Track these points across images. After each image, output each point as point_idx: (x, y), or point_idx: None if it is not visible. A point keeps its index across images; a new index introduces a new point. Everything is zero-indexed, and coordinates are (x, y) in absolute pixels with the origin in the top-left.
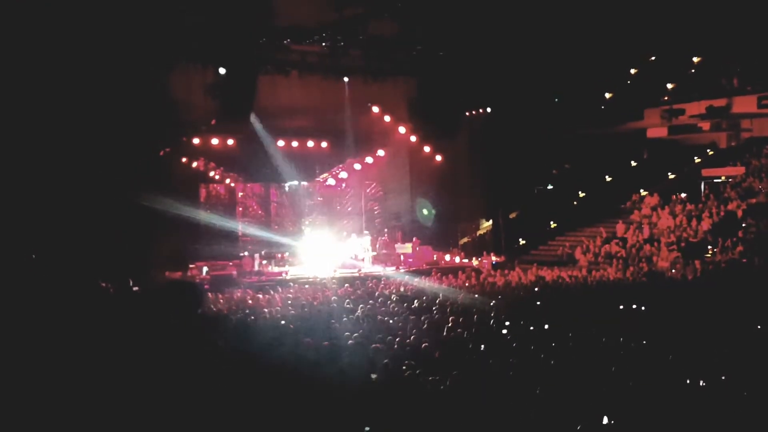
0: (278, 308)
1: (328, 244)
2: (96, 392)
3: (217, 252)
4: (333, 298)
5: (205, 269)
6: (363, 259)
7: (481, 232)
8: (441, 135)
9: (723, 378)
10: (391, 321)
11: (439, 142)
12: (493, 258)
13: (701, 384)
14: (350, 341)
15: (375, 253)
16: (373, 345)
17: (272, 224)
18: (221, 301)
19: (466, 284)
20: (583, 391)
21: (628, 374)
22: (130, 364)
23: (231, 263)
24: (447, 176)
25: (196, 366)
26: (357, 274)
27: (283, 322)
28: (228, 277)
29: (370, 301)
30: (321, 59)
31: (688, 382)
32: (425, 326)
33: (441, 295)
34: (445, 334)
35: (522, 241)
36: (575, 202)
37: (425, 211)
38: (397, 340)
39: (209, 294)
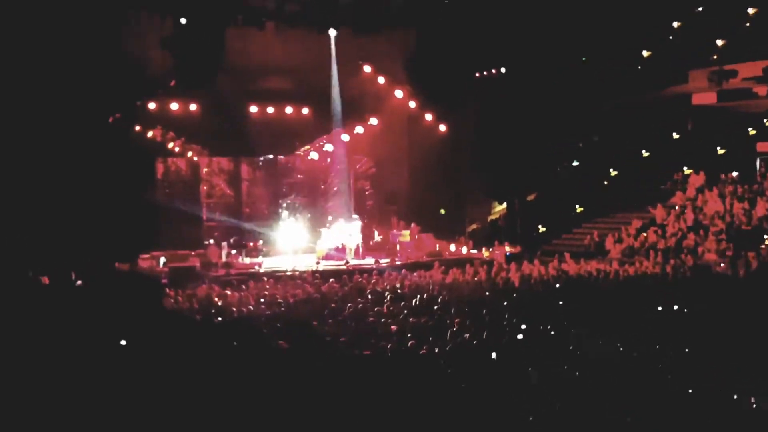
0: (250, 307)
1: (309, 231)
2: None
3: (177, 239)
4: (315, 295)
5: (162, 260)
6: (351, 250)
7: (492, 217)
8: (446, 100)
9: None
10: (384, 323)
11: (443, 109)
12: (507, 248)
13: (752, 402)
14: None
15: (368, 242)
16: (364, 352)
17: (243, 207)
18: (181, 298)
19: (475, 279)
20: (613, 408)
21: (667, 389)
22: (63, 373)
23: (193, 253)
24: (453, 150)
25: (145, 374)
26: (344, 267)
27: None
28: (190, 270)
29: (360, 300)
30: (302, 8)
31: (735, 397)
32: (426, 330)
33: (445, 292)
34: (449, 339)
35: (542, 229)
36: (606, 182)
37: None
38: (391, 346)
39: (167, 290)
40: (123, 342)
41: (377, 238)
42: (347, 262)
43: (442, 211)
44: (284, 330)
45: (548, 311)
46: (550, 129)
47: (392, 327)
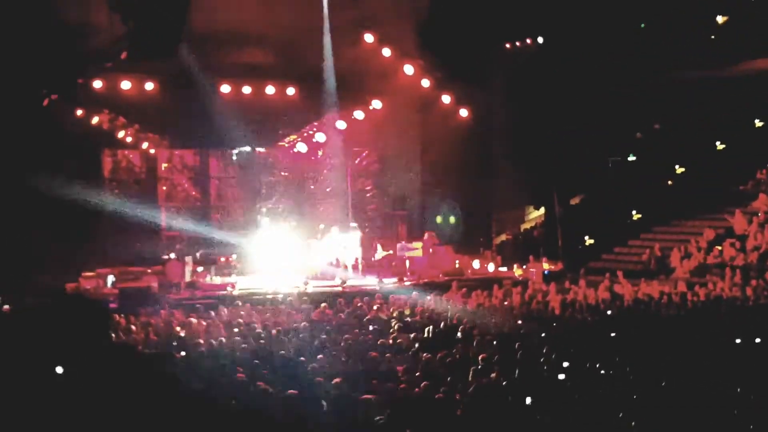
0: (222, 339)
1: (296, 244)
2: None
3: (129, 253)
4: (303, 324)
5: (110, 279)
6: (349, 266)
7: (527, 226)
8: (468, 78)
9: None
10: (390, 359)
11: (465, 90)
12: (546, 265)
13: None
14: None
15: (370, 257)
16: (363, 396)
17: (212, 212)
18: (134, 327)
19: (505, 305)
20: None
21: None
22: None
23: (150, 270)
24: (477, 141)
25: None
26: (340, 289)
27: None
28: (145, 292)
29: (359, 330)
30: None
31: None
32: (442, 368)
33: (466, 321)
34: (471, 379)
35: (589, 241)
36: (670, 182)
37: (450, 218)
38: (401, 388)
39: (116, 317)
40: (58, 371)
41: (381, 252)
42: (343, 283)
43: (439, 220)
44: (264, 368)
45: (597, 346)
46: (599, 115)
47: (400, 365)
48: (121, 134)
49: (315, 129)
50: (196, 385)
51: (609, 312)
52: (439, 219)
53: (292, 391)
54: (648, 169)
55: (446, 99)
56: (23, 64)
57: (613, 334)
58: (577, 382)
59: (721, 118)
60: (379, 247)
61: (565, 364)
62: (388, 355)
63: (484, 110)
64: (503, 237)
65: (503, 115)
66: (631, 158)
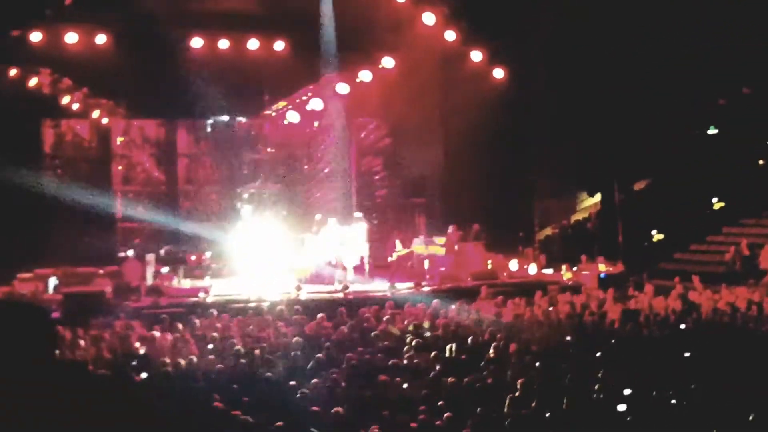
0: (192, 357)
1: (285, 239)
2: None
3: (76, 250)
4: (295, 339)
5: (52, 282)
6: (351, 267)
7: (578, 217)
8: (504, 30)
9: None
10: (404, 384)
11: (500, 44)
12: (603, 267)
13: None
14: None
15: (379, 255)
16: (370, 430)
17: (180, 198)
18: (83, 342)
19: (550, 316)
20: None
21: None
22: None
23: (102, 271)
24: (514, 110)
25: None
26: (341, 296)
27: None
28: (96, 298)
29: (365, 347)
30: None
31: None
32: (470, 395)
33: (501, 336)
34: (507, 409)
35: (657, 236)
36: (761, 162)
37: None
38: (419, 420)
39: (59, 329)
40: None
41: (400, 249)
42: (345, 288)
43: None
44: (245, 394)
45: (666, 369)
46: (671, 77)
47: (417, 391)
48: (65, 100)
49: (310, 94)
50: (160, 415)
51: (682, 326)
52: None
53: (279, 423)
54: (733, 146)
55: (476, 56)
56: None
57: (687, 354)
58: (640, 414)
59: None
60: (398, 243)
61: (626, 392)
62: (400, 379)
63: (523, 70)
64: (548, 231)
65: (548, 76)
66: (712, 131)
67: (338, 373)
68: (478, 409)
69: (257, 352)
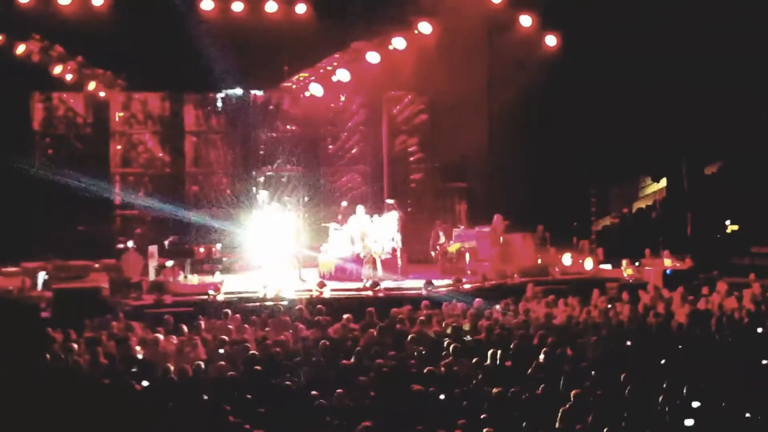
0: (200, 363)
1: (307, 228)
2: None
3: (69, 241)
4: (322, 342)
5: (41, 276)
6: (379, 260)
7: (641, 205)
8: None
9: None
10: (441, 395)
11: (552, 7)
12: (669, 261)
13: None
14: None
15: (415, 248)
16: None
17: (187, 183)
18: (75, 346)
19: (609, 317)
20: None
21: None
22: None
23: (97, 265)
24: (569, 82)
25: None
26: (370, 294)
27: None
28: (91, 295)
29: (398, 353)
30: None
31: None
32: (516, 407)
33: (552, 340)
34: (559, 424)
35: (731, 227)
36: None
37: None
38: None
39: (50, 330)
40: None
41: (444, 242)
42: (375, 286)
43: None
44: (260, 405)
45: (741, 378)
46: (747, 45)
47: (456, 402)
48: (57, 70)
49: (335, 64)
50: (163, 429)
51: (759, 330)
52: None
53: None
54: None
55: (526, 21)
56: None
57: (765, 362)
58: (710, 429)
59: None
60: (441, 234)
61: (695, 405)
62: (436, 388)
63: (580, 37)
64: (607, 221)
65: (608, 44)
66: None
67: (366, 381)
68: (525, 424)
69: (276, 353)
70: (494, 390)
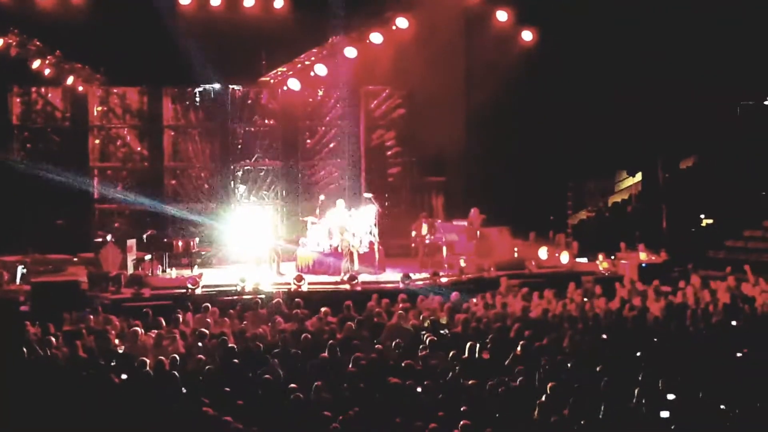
0: (178, 357)
1: (285, 222)
2: None
3: (47, 234)
4: (303, 336)
5: (19, 270)
6: (356, 254)
7: (617, 199)
8: None
9: None
10: (418, 388)
11: (528, 3)
12: (644, 255)
13: None
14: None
15: (392, 242)
16: None
17: (165, 177)
18: (54, 340)
19: (585, 311)
20: None
21: None
22: None
23: (76, 258)
24: (545, 77)
25: None
26: (347, 287)
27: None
28: (69, 288)
29: (374, 344)
30: None
31: None
32: (493, 400)
33: (527, 333)
34: (536, 417)
35: (706, 220)
36: None
37: None
38: (432, 428)
39: (28, 324)
40: None
41: (426, 233)
42: (352, 279)
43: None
44: (238, 397)
45: (716, 371)
46: (723, 39)
47: (433, 395)
48: (36, 64)
49: (313, 58)
50: (141, 422)
51: (734, 323)
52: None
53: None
54: None
55: (502, 16)
56: None
57: (739, 354)
58: (686, 422)
59: None
60: (424, 227)
61: (670, 397)
62: (414, 381)
63: (556, 32)
64: (583, 215)
65: (583, 39)
66: None
67: (344, 374)
68: (502, 416)
69: (255, 346)
70: (471, 382)
